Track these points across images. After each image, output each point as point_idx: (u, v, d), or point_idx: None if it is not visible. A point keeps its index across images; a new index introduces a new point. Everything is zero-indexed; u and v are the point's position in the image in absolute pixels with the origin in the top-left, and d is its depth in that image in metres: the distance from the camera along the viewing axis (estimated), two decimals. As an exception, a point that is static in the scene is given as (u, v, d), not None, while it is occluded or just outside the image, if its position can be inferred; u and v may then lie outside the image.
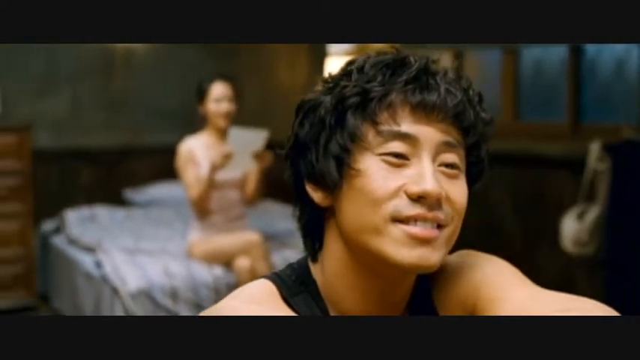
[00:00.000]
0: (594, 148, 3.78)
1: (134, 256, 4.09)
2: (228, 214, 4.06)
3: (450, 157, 1.03)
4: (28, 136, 4.84)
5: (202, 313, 1.01)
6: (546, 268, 4.53)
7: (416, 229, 0.99)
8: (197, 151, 3.98)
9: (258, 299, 1.02)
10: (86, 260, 4.27)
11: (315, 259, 1.10)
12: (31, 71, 5.24)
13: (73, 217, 4.87)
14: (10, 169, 4.80)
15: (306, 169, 1.07)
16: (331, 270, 1.07)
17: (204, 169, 3.91)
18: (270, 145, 5.94)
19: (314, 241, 1.10)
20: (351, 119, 1.02)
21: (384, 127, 1.01)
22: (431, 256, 1.00)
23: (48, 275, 4.94)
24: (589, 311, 0.96)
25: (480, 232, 5.02)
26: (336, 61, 5.75)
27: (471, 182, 1.08)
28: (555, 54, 4.59)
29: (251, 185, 4.16)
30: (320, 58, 5.87)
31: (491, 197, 4.91)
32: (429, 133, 1.02)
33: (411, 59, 1.05)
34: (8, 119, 5.04)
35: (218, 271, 3.95)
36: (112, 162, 5.48)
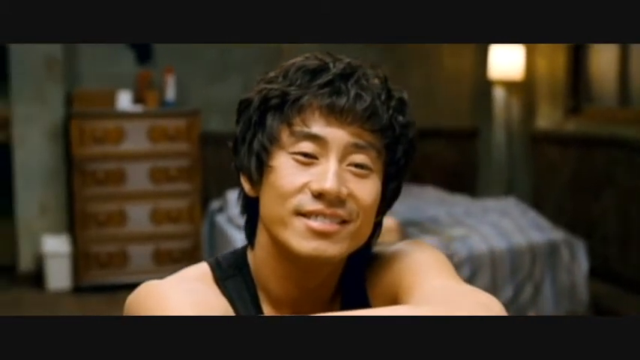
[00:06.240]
0: None
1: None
2: None
3: (359, 158, 1.10)
4: (197, 120, 5.20)
5: (136, 290, 1.13)
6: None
7: (315, 224, 1.07)
8: None
9: (190, 280, 1.14)
10: (238, 238, 4.54)
11: (252, 246, 1.20)
12: (205, 59, 5.61)
13: (234, 197, 5.15)
14: (180, 151, 5.19)
15: (238, 163, 1.17)
16: (259, 256, 1.17)
17: None
18: (435, 130, 6.00)
19: (250, 228, 1.20)
20: (269, 120, 1.11)
21: (297, 129, 1.09)
22: (328, 249, 1.08)
23: (213, 251, 5.29)
24: (472, 308, 1.00)
25: (616, 221, 4.83)
26: (500, 48, 5.68)
27: (387, 181, 1.15)
28: None
29: None
30: (485, 44, 5.82)
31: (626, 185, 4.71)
32: (338, 135, 1.09)
33: (332, 65, 1.12)
34: (183, 105, 5.43)
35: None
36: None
